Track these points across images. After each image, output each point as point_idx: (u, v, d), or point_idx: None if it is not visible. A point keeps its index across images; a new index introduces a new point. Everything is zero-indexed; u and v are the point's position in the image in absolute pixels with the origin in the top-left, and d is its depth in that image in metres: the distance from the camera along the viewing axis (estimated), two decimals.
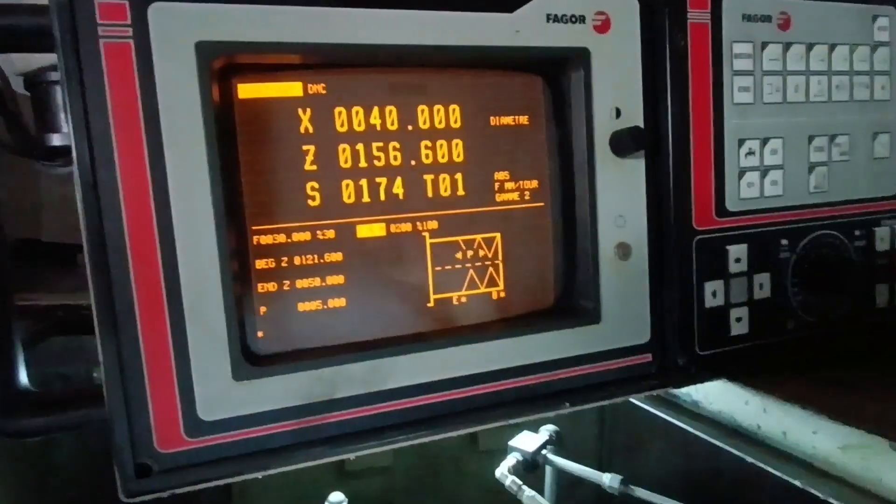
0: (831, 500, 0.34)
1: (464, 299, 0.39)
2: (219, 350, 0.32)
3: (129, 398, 0.31)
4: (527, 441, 0.95)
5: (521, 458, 0.92)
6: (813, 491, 0.35)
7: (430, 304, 0.38)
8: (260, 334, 0.35)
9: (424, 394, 0.36)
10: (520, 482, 0.88)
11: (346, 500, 0.94)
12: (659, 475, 1.07)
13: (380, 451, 0.36)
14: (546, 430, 0.98)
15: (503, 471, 0.91)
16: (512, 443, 0.96)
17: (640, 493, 0.82)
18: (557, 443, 0.97)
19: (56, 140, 0.63)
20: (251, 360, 0.33)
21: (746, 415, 0.42)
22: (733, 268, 0.43)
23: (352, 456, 0.36)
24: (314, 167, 0.35)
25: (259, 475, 0.34)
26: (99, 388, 0.34)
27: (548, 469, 0.93)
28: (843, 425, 0.35)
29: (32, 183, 0.99)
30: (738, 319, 0.43)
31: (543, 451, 0.93)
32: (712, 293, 0.42)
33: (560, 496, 0.98)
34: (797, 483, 0.36)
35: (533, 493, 0.86)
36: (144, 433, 0.31)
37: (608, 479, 0.85)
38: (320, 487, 0.99)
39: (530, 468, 0.92)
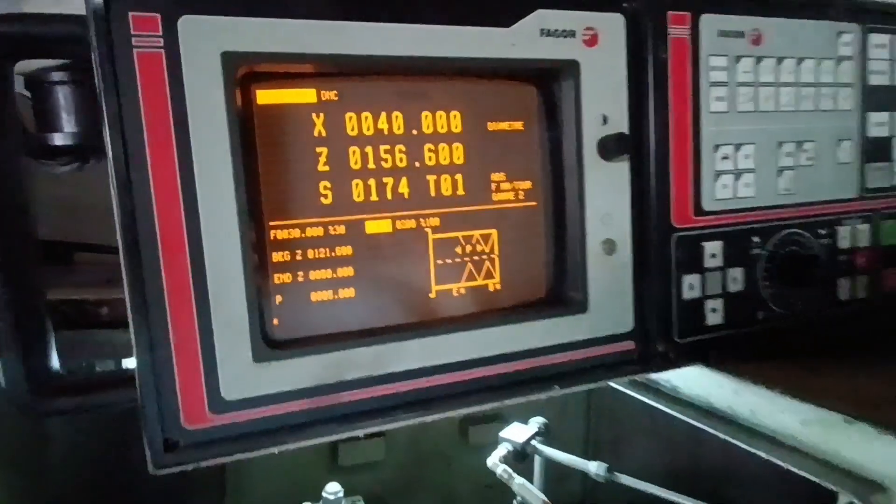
0: (793, 469, 0.38)
1: (463, 290, 0.42)
2: (240, 335, 0.35)
3: (158, 379, 0.33)
4: (517, 432, 0.98)
5: (511, 449, 0.96)
6: (777, 461, 0.39)
7: (432, 295, 0.41)
8: (276, 322, 0.37)
9: (427, 377, 0.39)
10: (510, 471, 0.91)
11: (343, 490, 0.97)
12: (642, 459, 1.11)
13: (386, 428, 0.39)
14: (535, 422, 1.01)
15: (494, 460, 0.94)
16: (502, 434, 1.00)
17: (624, 479, 0.86)
18: (546, 434, 1.00)
19: (57, 140, 0.65)
20: (269, 345, 0.36)
21: (720, 397, 0.46)
22: (709, 263, 0.47)
23: (361, 433, 0.39)
24: (327, 168, 0.38)
25: (276, 450, 0.37)
26: (124, 374, 0.37)
27: (537, 459, 0.96)
28: (805, 403, 0.39)
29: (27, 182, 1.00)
30: (714, 310, 0.47)
31: (533, 442, 0.97)
32: (689, 286, 0.46)
33: (548, 484, 1.02)
34: (762, 454, 0.40)
35: (523, 480, 0.90)
36: (172, 411, 0.34)
37: (594, 467, 0.89)
38: (313, 482, 1.01)
39: (520, 458, 0.95)
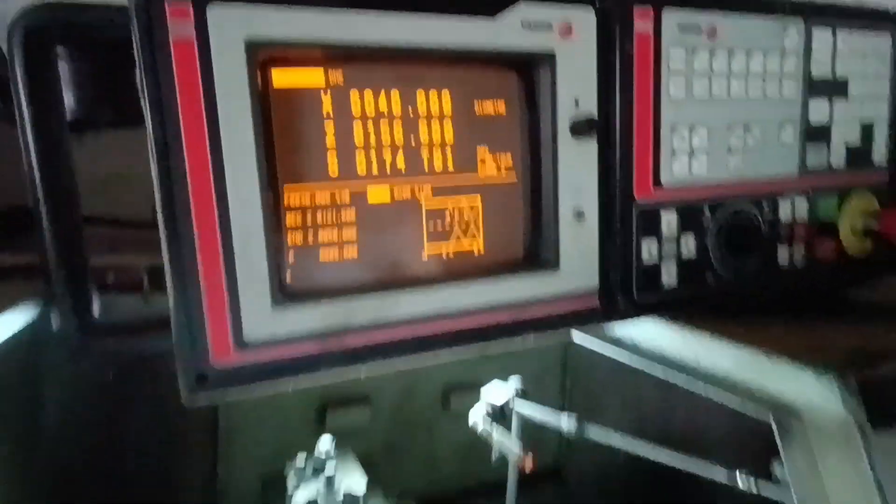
0: (726, 402, 0.46)
1: (451, 251, 0.48)
2: (261, 284, 0.41)
3: (190, 321, 0.39)
4: (496, 390, 1.06)
5: (490, 404, 1.04)
6: (715, 398, 0.46)
7: (424, 255, 0.47)
8: (290, 274, 0.43)
9: (421, 324, 0.46)
10: (490, 426, 0.99)
11: (332, 445, 1.04)
12: (611, 411, 1.18)
13: (385, 369, 0.45)
14: (514, 381, 1.09)
15: (475, 417, 1.02)
16: (483, 391, 1.08)
17: (593, 430, 0.94)
18: (524, 393, 1.08)
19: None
20: (285, 294, 0.42)
21: (671, 347, 0.53)
22: (665, 231, 0.54)
23: (362, 374, 0.45)
24: (333, 142, 0.44)
25: (290, 387, 0.43)
26: (156, 324, 0.43)
27: (514, 415, 1.04)
28: (739, 348, 0.46)
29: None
30: (668, 272, 0.54)
31: (511, 399, 1.05)
32: (648, 251, 0.53)
33: (525, 438, 1.10)
34: (702, 390, 0.48)
35: (501, 434, 0.98)
36: (202, 349, 0.40)
37: (566, 421, 0.97)
38: (302, 446, 1.08)
39: (498, 414, 1.03)
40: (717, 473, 0.78)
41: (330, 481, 0.93)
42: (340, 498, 0.93)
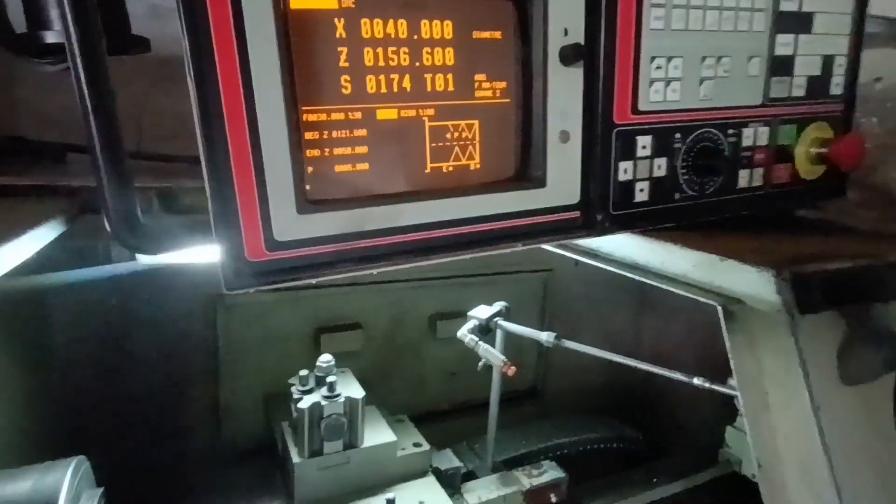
0: (682, 292, 0.54)
1: (451, 167, 0.54)
2: (287, 192, 0.46)
3: (229, 222, 0.45)
4: (482, 311, 1.16)
5: (477, 323, 1.13)
6: (674, 290, 0.55)
7: (427, 170, 0.53)
8: (309, 186, 0.49)
9: (424, 231, 0.52)
10: (476, 339, 1.09)
11: (333, 360, 1.13)
12: (585, 331, 1.29)
13: (394, 268, 0.52)
14: (498, 304, 1.19)
15: (463, 331, 1.11)
16: (470, 313, 1.17)
17: (569, 343, 1.04)
18: (507, 314, 1.18)
19: (49, 38, 0.69)
20: (307, 202, 0.48)
21: (640, 255, 0.61)
22: (640, 153, 0.60)
23: (375, 271, 0.52)
24: (346, 64, 0.48)
25: (314, 281, 0.50)
26: (194, 228, 0.48)
27: (498, 332, 1.14)
28: (696, 253, 0.54)
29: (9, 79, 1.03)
30: (641, 190, 0.61)
31: (495, 319, 1.14)
32: (624, 170, 0.60)
33: (507, 351, 1.21)
34: (669, 287, 0.56)
35: (486, 345, 1.08)
36: (239, 247, 0.46)
37: (545, 336, 1.07)
38: (298, 365, 1.16)
39: (484, 331, 1.13)
40: (678, 376, 0.89)
41: (332, 387, 1.03)
42: (342, 401, 1.02)
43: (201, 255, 1.08)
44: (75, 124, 0.43)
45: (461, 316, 1.29)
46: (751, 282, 0.50)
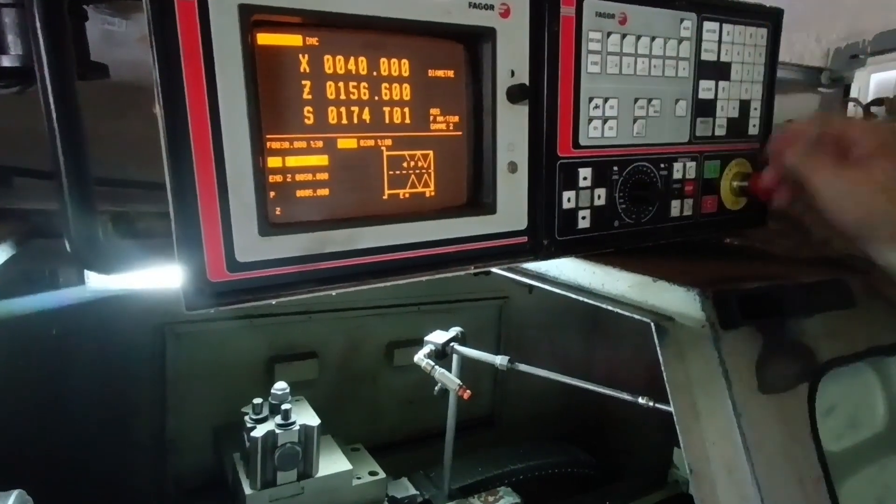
0: (620, 311, 0.59)
1: (407, 194, 0.57)
2: (249, 216, 0.48)
3: (191, 245, 0.46)
4: (438, 336, 1.18)
5: (433, 348, 1.15)
6: (614, 309, 0.59)
7: (385, 196, 0.56)
8: (272, 208, 0.51)
9: (383, 254, 0.55)
10: (433, 363, 1.11)
11: (288, 387, 1.12)
12: (540, 355, 1.33)
13: (353, 289, 0.54)
14: (454, 330, 1.22)
15: (420, 356, 1.13)
16: (427, 337, 1.19)
17: (522, 367, 1.08)
18: (462, 339, 1.21)
19: (5, 61, 0.69)
20: (269, 225, 0.50)
21: (584, 277, 0.66)
22: (581, 184, 0.65)
23: (334, 292, 0.54)
24: (309, 97, 0.51)
25: (273, 302, 0.51)
26: (157, 250, 0.49)
27: (454, 357, 1.17)
28: (632, 275, 0.59)
29: None
30: (583, 217, 0.66)
31: (451, 344, 1.17)
32: (567, 199, 0.65)
33: (464, 380, 1.24)
34: (608, 307, 0.61)
35: (443, 370, 1.10)
36: (201, 268, 0.47)
37: (499, 360, 1.11)
38: (252, 395, 1.15)
39: (440, 355, 1.16)
40: (624, 396, 0.94)
41: (286, 415, 1.02)
42: (297, 428, 1.02)
43: (152, 281, 1.06)
44: (22, 147, 0.44)
45: (418, 343, 1.31)
46: (679, 300, 0.55)
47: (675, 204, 0.73)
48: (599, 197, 0.67)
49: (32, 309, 1.03)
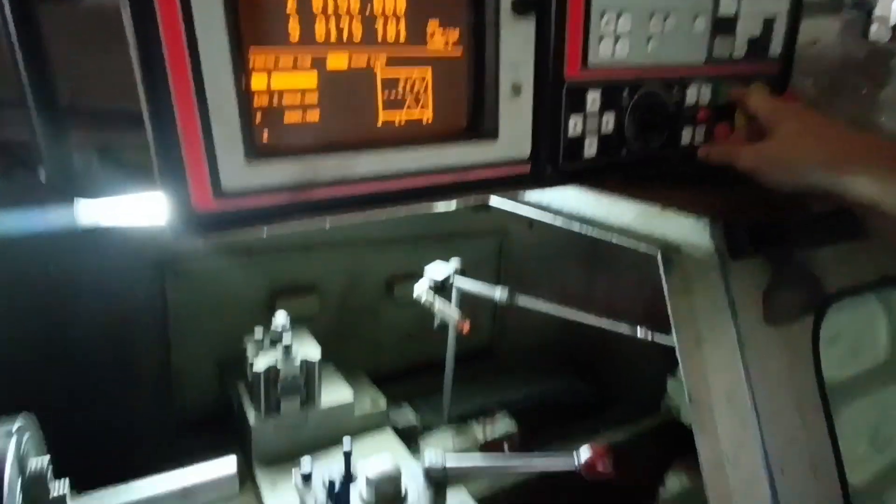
0: (625, 241, 0.57)
1: (403, 117, 0.54)
2: (234, 139, 0.45)
3: (174, 173, 0.43)
4: (438, 268, 1.17)
5: (433, 281, 1.15)
6: (618, 240, 0.57)
7: (380, 120, 0.53)
8: (257, 134, 0.48)
9: (378, 181, 0.52)
10: (432, 296, 1.11)
11: (288, 319, 1.12)
12: (540, 288, 1.32)
13: (346, 220, 0.52)
14: (454, 262, 1.20)
15: (419, 289, 1.13)
16: (427, 269, 1.18)
17: (522, 299, 1.08)
18: (462, 271, 1.20)
19: None
20: (256, 150, 0.47)
21: (587, 208, 0.63)
22: (589, 108, 0.61)
23: (327, 224, 0.52)
24: (294, 7, 0.47)
25: (264, 234, 0.49)
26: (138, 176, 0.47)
27: (454, 290, 1.17)
28: (639, 204, 0.57)
29: None
30: (590, 145, 0.63)
31: (451, 277, 1.16)
32: (574, 125, 0.61)
33: (462, 309, 1.24)
34: (613, 238, 0.59)
35: (442, 301, 1.10)
36: (185, 197, 0.44)
37: (499, 293, 1.10)
38: (253, 326, 1.15)
39: (440, 289, 1.15)
40: (622, 328, 0.94)
41: (287, 349, 1.03)
42: (298, 363, 1.03)
43: (146, 218, 1.04)
44: None
45: (418, 277, 1.30)
46: (687, 230, 0.53)
47: (687, 131, 0.70)
48: (607, 123, 0.63)
49: (22, 230, 1.00)
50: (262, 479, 0.98)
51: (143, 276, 1.35)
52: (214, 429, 1.23)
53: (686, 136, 0.70)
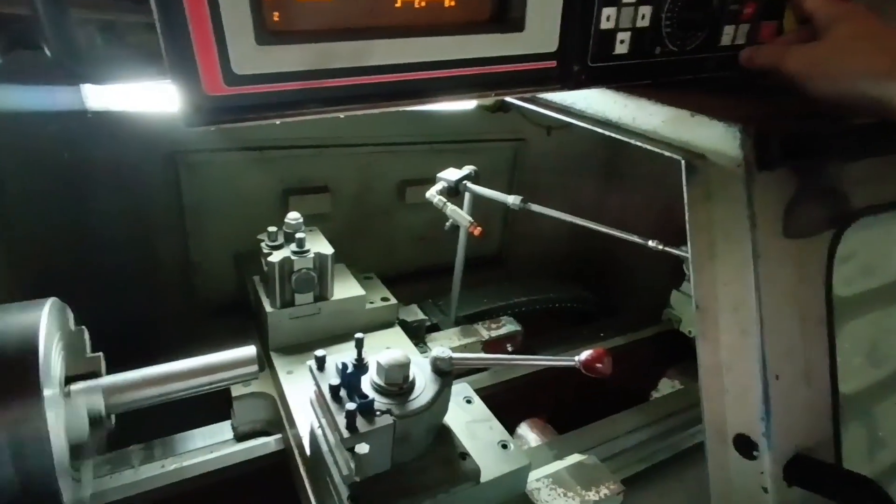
0: (650, 147, 0.55)
1: (423, 3, 0.50)
2: (244, 20, 0.43)
3: (183, 57, 0.41)
4: (451, 173, 1.15)
5: (445, 185, 1.13)
6: (642, 145, 0.55)
7: (398, 4, 0.49)
8: (270, 15, 0.45)
9: (395, 73, 0.50)
10: (444, 200, 1.10)
11: (301, 217, 1.13)
12: (553, 200, 1.30)
13: (361, 112, 0.50)
14: (467, 168, 1.18)
15: (432, 192, 1.12)
16: (439, 174, 1.16)
17: (534, 207, 1.07)
18: (475, 178, 1.18)
19: None
20: (267, 33, 0.44)
21: (613, 111, 0.60)
22: None
23: (342, 115, 0.50)
24: None
25: (277, 122, 0.48)
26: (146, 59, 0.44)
27: (466, 195, 1.15)
28: (667, 108, 0.54)
29: None
30: (622, 41, 0.59)
31: (464, 182, 1.14)
32: (607, 17, 0.56)
33: (474, 215, 1.23)
34: (637, 142, 0.57)
35: (454, 206, 1.09)
36: (195, 81, 0.43)
37: (511, 199, 1.09)
38: (268, 224, 1.16)
39: (453, 193, 1.14)
40: (634, 238, 0.93)
41: (301, 243, 1.05)
42: (311, 255, 1.05)
43: (155, 104, 1.01)
44: None
45: (430, 182, 1.29)
46: (716, 137, 0.51)
47: (729, 30, 0.64)
48: (643, 17, 0.58)
49: (31, 106, 0.98)
50: (279, 365, 1.04)
51: (156, 166, 1.35)
52: (235, 317, 1.29)
53: (727, 36, 0.64)
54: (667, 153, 0.54)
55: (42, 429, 0.47)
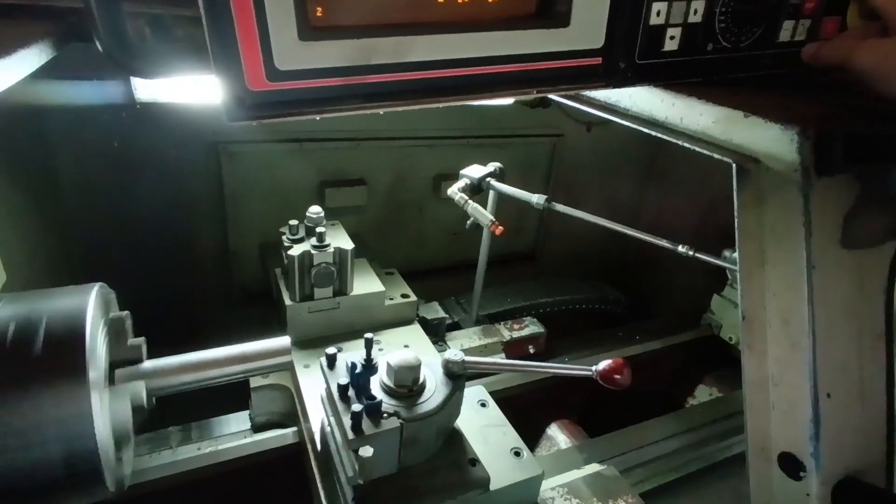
0: (699, 149, 0.52)
1: None
2: (288, 15, 0.43)
3: (227, 51, 0.42)
4: (475, 170, 1.13)
5: (468, 182, 1.11)
6: (691, 146, 0.53)
7: (441, 0, 0.48)
8: (314, 11, 0.45)
9: (436, 69, 0.49)
10: (466, 197, 1.08)
11: (323, 212, 1.13)
12: (590, 201, 1.27)
13: (402, 108, 0.49)
14: (492, 165, 1.16)
15: (454, 189, 1.10)
16: (463, 171, 1.14)
17: (559, 207, 1.04)
18: (500, 175, 1.15)
19: None
20: (310, 29, 0.44)
21: (660, 110, 0.58)
22: None
23: (381, 111, 0.50)
24: None
25: (317, 117, 0.48)
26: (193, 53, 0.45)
27: (490, 193, 1.13)
28: (718, 108, 0.51)
29: None
30: (672, 38, 0.56)
31: (488, 179, 1.12)
32: (657, 13, 0.54)
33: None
34: (685, 143, 0.54)
35: (476, 204, 1.07)
36: (239, 76, 0.43)
37: (536, 198, 1.06)
38: (304, 210, 1.17)
39: (476, 190, 1.12)
40: (663, 243, 0.90)
41: (321, 237, 1.05)
42: (332, 250, 1.04)
43: (200, 96, 1.03)
44: None
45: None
46: (771, 139, 0.48)
47: (788, 25, 0.61)
48: (696, 11, 0.56)
49: (82, 101, 1.02)
50: (297, 358, 1.04)
51: (199, 156, 1.38)
52: (267, 306, 1.32)
53: (786, 32, 0.61)
54: (717, 156, 0.52)
55: (86, 410, 0.49)
